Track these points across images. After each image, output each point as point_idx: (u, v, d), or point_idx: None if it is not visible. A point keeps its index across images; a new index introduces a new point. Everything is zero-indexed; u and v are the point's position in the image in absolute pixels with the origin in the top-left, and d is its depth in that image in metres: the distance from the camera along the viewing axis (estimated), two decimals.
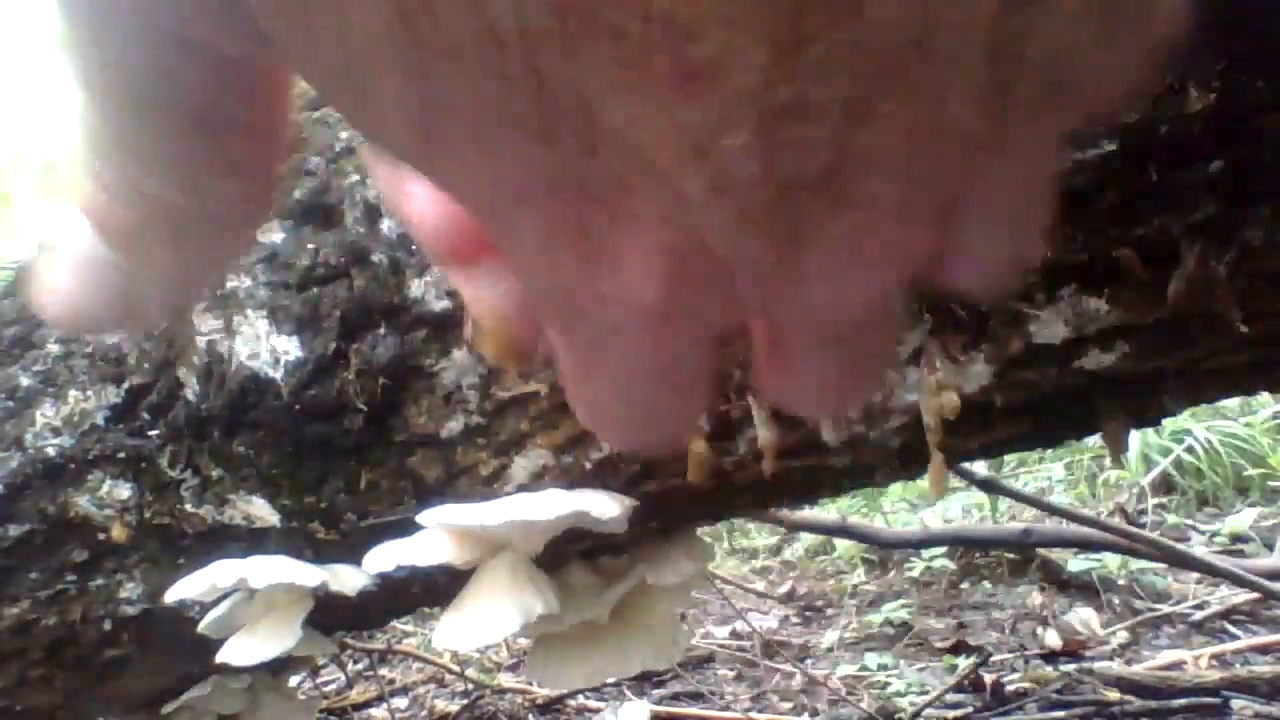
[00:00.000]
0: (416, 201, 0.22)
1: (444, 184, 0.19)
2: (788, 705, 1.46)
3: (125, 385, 0.68)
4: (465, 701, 1.50)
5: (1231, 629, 1.64)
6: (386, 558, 0.60)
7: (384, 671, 1.65)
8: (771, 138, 0.15)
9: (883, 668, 1.58)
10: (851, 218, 0.16)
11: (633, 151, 0.15)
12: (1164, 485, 2.44)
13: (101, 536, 0.70)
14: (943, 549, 2.01)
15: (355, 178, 0.62)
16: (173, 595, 0.63)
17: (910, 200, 0.16)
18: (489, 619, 0.59)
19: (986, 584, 1.97)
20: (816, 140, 0.15)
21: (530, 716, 1.46)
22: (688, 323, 0.19)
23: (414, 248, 0.60)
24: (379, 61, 0.15)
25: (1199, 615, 1.68)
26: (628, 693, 1.49)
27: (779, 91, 0.14)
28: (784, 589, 2.11)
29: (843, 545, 2.24)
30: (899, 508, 2.50)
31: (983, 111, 0.16)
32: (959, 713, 1.33)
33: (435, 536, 0.60)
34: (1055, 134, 0.18)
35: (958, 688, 1.38)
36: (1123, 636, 1.63)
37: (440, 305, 0.59)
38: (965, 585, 2.00)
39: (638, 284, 0.17)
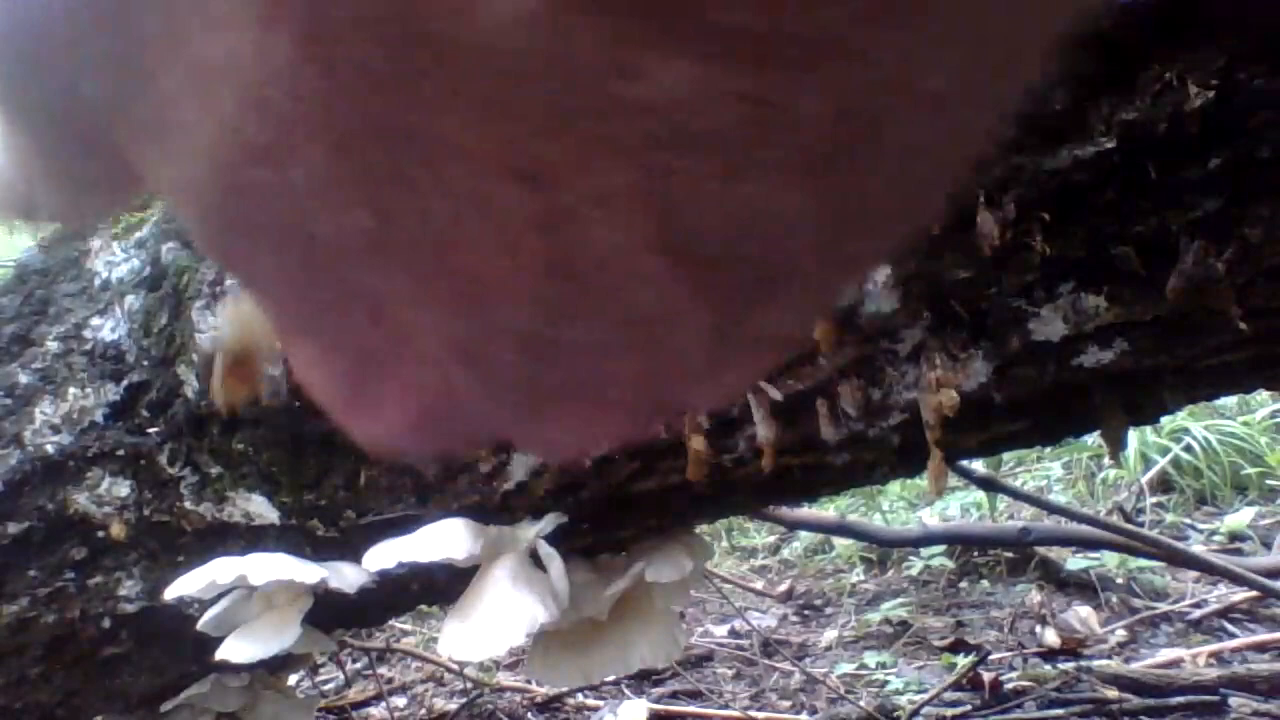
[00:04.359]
0: None
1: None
2: (786, 704, 1.46)
3: (124, 383, 0.68)
4: (464, 700, 1.50)
5: (1230, 627, 1.64)
6: (388, 555, 0.60)
7: (383, 670, 1.65)
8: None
9: (881, 666, 1.58)
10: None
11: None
12: (1162, 484, 2.44)
13: (100, 534, 0.70)
14: (941, 547, 2.01)
15: None
16: (172, 593, 0.63)
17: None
18: (494, 629, 0.59)
19: (985, 582, 1.97)
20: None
21: (529, 715, 1.46)
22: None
23: None
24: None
25: (1197, 613, 1.68)
26: (626, 691, 1.49)
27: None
28: (783, 587, 2.11)
29: (841, 544, 2.24)
30: (897, 506, 2.50)
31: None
32: (957, 711, 1.33)
33: (437, 531, 0.60)
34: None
35: (956, 686, 1.38)
36: (1121, 635, 1.63)
37: None
38: (964, 584, 2.00)
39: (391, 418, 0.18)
